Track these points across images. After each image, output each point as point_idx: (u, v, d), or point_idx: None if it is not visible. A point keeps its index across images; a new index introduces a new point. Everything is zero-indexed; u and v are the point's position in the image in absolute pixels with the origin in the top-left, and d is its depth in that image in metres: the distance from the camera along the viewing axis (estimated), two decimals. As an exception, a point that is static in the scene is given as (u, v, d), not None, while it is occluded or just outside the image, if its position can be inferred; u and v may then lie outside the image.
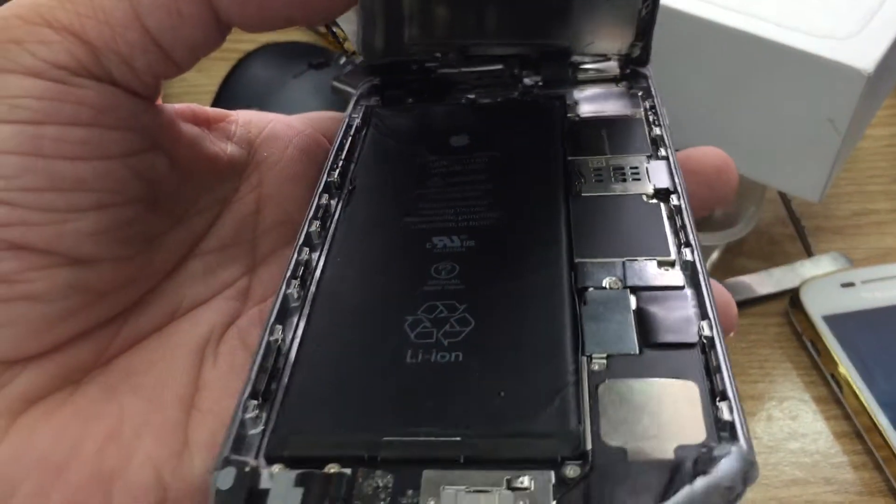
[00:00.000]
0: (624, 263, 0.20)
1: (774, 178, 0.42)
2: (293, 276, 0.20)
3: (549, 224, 0.21)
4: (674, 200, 0.21)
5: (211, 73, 0.52)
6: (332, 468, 0.16)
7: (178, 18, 0.19)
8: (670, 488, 0.15)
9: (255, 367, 0.17)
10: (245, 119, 0.24)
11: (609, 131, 0.25)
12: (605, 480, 0.15)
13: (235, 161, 0.23)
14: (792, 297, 0.43)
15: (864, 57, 0.36)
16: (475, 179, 0.23)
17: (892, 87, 0.43)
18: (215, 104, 0.50)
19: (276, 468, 0.16)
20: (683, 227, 0.21)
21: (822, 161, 0.39)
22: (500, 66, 0.28)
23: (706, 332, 0.17)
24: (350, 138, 0.24)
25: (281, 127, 0.25)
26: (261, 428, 0.16)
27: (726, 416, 0.16)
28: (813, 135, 0.38)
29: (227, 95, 0.51)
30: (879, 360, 0.39)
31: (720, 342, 0.17)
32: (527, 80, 0.27)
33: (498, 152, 0.24)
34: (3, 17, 0.18)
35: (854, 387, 0.39)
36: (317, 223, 0.21)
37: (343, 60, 0.51)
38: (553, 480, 0.15)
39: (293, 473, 0.15)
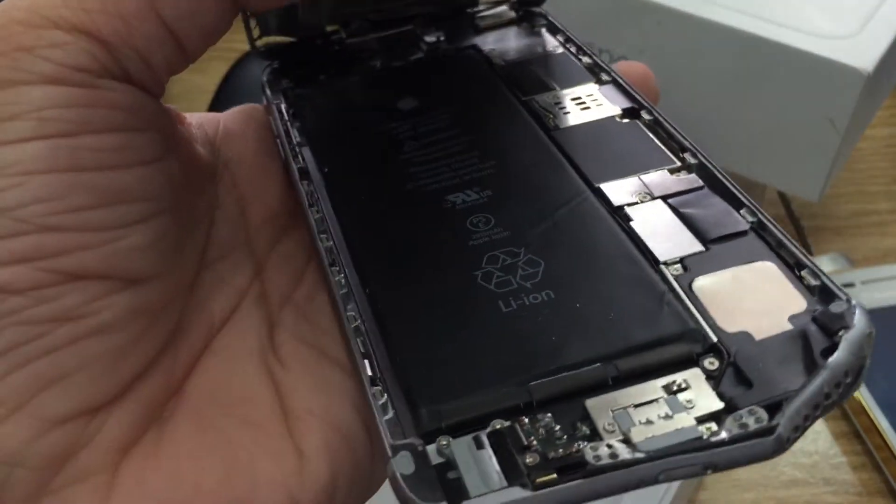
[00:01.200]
0: (640, 178, 0.21)
1: (774, 178, 0.42)
2: (332, 265, 0.19)
3: (550, 159, 0.22)
4: (645, 116, 0.23)
5: (209, 73, 0.52)
6: (498, 424, 0.16)
7: (195, 3, 0.18)
8: (813, 352, 0.16)
9: (359, 355, 0.17)
10: (197, 120, 0.23)
11: (541, 70, 0.25)
12: (749, 362, 0.16)
13: (209, 163, 0.22)
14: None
15: (864, 57, 0.36)
16: (450, 136, 0.23)
17: (891, 87, 0.43)
18: (214, 104, 0.50)
19: (444, 440, 0.15)
20: (670, 135, 0.21)
21: (821, 161, 0.39)
22: (409, 27, 0.28)
23: (750, 217, 0.19)
24: (287, 124, 0.24)
25: (232, 124, 0.24)
26: (391, 413, 0.16)
27: (812, 281, 0.17)
28: (812, 134, 0.38)
29: (226, 95, 0.51)
30: (879, 360, 0.39)
31: (769, 222, 0.19)
32: (428, 38, 0.28)
33: (453, 107, 0.24)
34: (1, 25, 0.17)
35: (853, 387, 0.38)
36: (315, 211, 0.21)
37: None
38: (703, 375, 0.16)
39: (468, 439, 0.15)
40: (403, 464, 0.15)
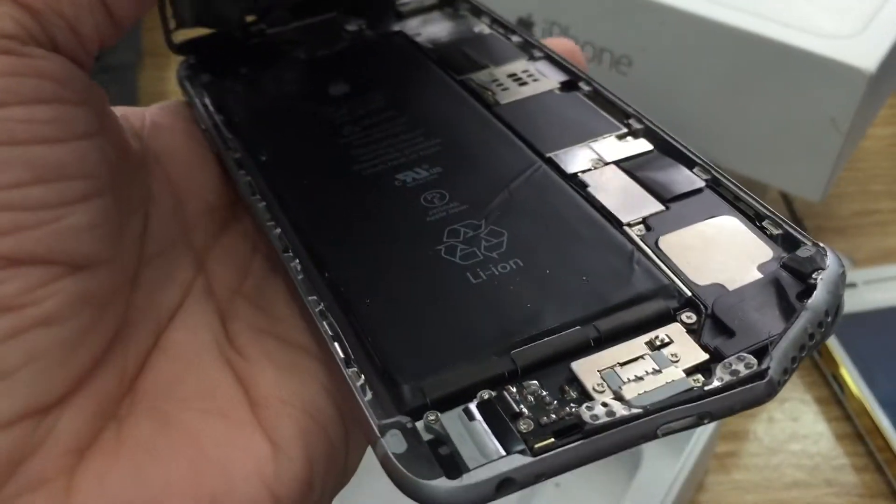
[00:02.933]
0: (590, 146, 0.21)
1: (776, 178, 0.42)
2: (285, 251, 0.19)
3: (497, 133, 0.22)
4: (584, 87, 0.23)
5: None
6: (486, 394, 0.15)
7: None
8: (788, 296, 0.16)
9: (328, 338, 0.17)
10: (121, 112, 0.21)
11: (472, 50, 0.25)
12: (727, 312, 0.16)
13: (138, 154, 0.21)
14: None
15: (867, 56, 0.36)
16: (389, 117, 0.23)
17: (894, 86, 0.43)
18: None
19: (432, 415, 0.15)
20: (613, 103, 0.22)
21: (823, 160, 0.39)
22: (330, 15, 0.27)
23: (704, 175, 0.19)
24: (214, 116, 0.23)
25: (158, 118, 0.22)
26: (370, 393, 0.16)
27: (775, 230, 0.18)
28: (815, 134, 0.38)
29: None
30: (881, 361, 0.39)
31: (724, 178, 0.19)
32: (349, 27, 0.27)
33: (388, 90, 0.24)
34: None
35: (855, 388, 0.38)
36: (258, 200, 0.20)
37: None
38: (683, 329, 0.16)
39: (457, 411, 0.15)
40: (394, 443, 0.15)
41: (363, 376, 0.16)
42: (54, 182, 0.16)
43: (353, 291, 0.18)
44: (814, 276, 0.16)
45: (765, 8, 0.38)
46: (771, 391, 0.15)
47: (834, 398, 0.40)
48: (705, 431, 0.35)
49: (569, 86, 0.23)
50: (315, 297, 0.18)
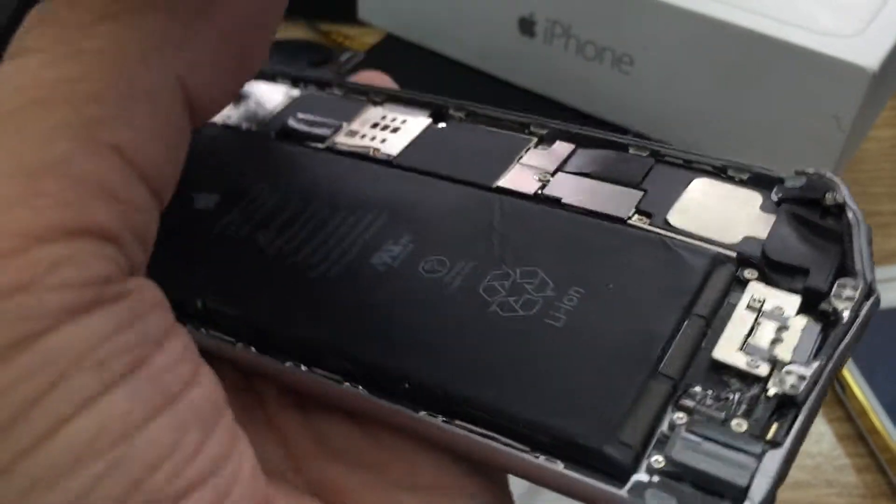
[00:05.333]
0: (521, 163, 0.21)
1: (778, 178, 0.41)
2: (340, 381, 0.17)
3: (424, 183, 0.21)
4: (455, 112, 0.22)
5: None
6: (675, 417, 0.15)
7: (170, 146, 0.14)
8: (817, 220, 0.18)
9: (483, 441, 0.15)
10: None
11: (311, 116, 0.23)
12: (782, 254, 0.17)
13: None
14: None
15: (869, 55, 0.36)
16: (294, 211, 0.20)
17: (896, 86, 0.43)
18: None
19: (655, 459, 0.14)
20: (496, 119, 0.22)
21: (825, 160, 0.39)
22: None
23: (644, 153, 0.20)
24: None
25: None
26: (578, 473, 0.15)
27: (741, 175, 0.19)
28: (817, 133, 0.38)
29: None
30: (883, 362, 0.39)
31: (662, 147, 0.20)
32: None
33: (263, 183, 0.21)
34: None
35: (857, 389, 0.38)
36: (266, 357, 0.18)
37: (344, 57, 0.51)
38: (759, 284, 0.17)
39: (676, 443, 0.15)
40: (659, 500, 0.14)
41: (555, 461, 0.15)
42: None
43: (458, 386, 0.16)
44: (827, 196, 0.17)
45: (767, 6, 0.38)
46: (878, 299, 0.16)
47: (835, 399, 0.40)
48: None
49: (440, 116, 0.22)
50: (425, 412, 0.16)
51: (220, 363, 0.16)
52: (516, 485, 0.17)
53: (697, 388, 0.15)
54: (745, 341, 0.16)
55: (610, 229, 0.18)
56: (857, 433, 0.38)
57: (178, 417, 0.13)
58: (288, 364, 0.17)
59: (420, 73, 0.47)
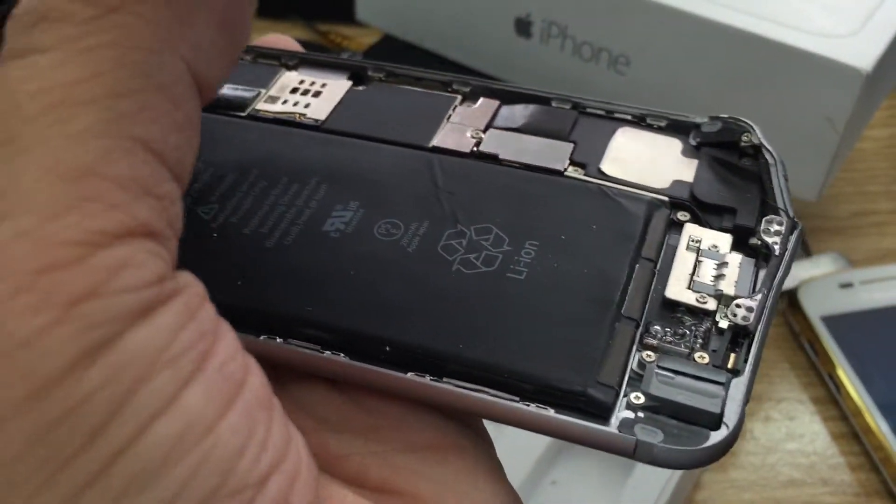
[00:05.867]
0: (451, 122, 0.21)
1: (773, 178, 0.42)
2: (320, 349, 0.17)
3: (358, 147, 0.20)
4: (374, 73, 0.22)
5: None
6: (644, 356, 0.16)
7: (188, 134, 0.14)
8: (735, 162, 0.20)
9: (473, 392, 0.16)
10: None
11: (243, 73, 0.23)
12: (708, 195, 0.19)
13: None
14: (790, 298, 0.42)
15: (863, 56, 0.36)
16: (234, 179, 0.20)
17: (891, 86, 0.43)
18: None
19: (635, 395, 0.15)
20: (419, 78, 0.22)
21: (819, 160, 0.39)
22: None
23: (567, 105, 0.21)
24: None
25: None
26: (568, 415, 0.15)
27: (660, 122, 0.21)
28: (811, 134, 0.38)
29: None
30: (877, 361, 0.39)
31: (585, 99, 0.21)
32: None
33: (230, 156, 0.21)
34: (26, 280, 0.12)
35: (852, 388, 0.38)
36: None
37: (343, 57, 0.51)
38: (693, 225, 0.18)
39: (650, 379, 0.16)
40: (649, 434, 0.15)
41: (545, 407, 0.15)
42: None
43: (439, 345, 0.16)
44: (743, 139, 0.19)
45: (762, 7, 0.38)
46: (802, 230, 0.18)
47: (830, 398, 0.40)
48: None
49: (361, 79, 0.22)
50: (412, 374, 0.16)
51: None
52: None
53: (657, 327, 0.17)
54: (691, 280, 0.17)
55: (552, 182, 0.19)
56: (851, 432, 0.39)
57: (248, 405, 0.13)
58: (263, 338, 0.17)
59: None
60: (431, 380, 0.16)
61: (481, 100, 0.21)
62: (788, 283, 0.44)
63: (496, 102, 0.21)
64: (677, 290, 0.17)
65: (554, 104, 0.21)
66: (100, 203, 0.12)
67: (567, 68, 0.44)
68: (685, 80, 0.41)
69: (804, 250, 0.46)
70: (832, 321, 0.41)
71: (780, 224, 0.17)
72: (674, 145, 0.20)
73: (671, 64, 0.41)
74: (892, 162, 0.52)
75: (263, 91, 0.22)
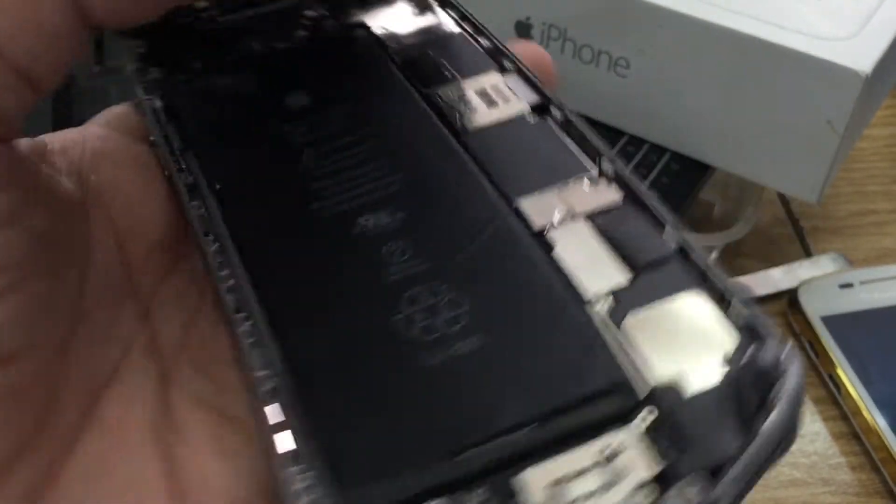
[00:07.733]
0: (559, 192, 0.19)
1: (773, 179, 0.42)
2: (237, 310, 0.17)
3: (463, 171, 0.19)
4: (555, 113, 0.20)
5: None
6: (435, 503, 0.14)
7: (45, 38, 0.15)
8: (747, 407, 0.15)
9: (268, 427, 0.15)
10: (60, 145, 0.19)
11: (440, 54, 0.22)
12: (685, 417, 0.15)
13: (78, 198, 0.18)
14: (790, 298, 0.43)
15: (863, 58, 0.36)
16: (351, 141, 0.20)
17: (890, 88, 0.43)
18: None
19: None
20: (584, 137, 0.19)
21: (820, 162, 0.39)
22: (289, 2, 0.24)
23: (673, 240, 0.17)
24: (167, 127, 0.20)
25: (98, 140, 0.20)
26: (311, 496, 0.14)
27: (742, 311, 0.16)
28: (811, 136, 0.38)
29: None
30: (878, 361, 0.39)
31: (692, 245, 0.17)
32: (310, 13, 0.24)
33: (349, 104, 0.21)
34: None
35: (852, 388, 0.38)
36: (211, 240, 0.18)
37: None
38: (639, 433, 0.15)
39: None
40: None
41: (307, 479, 0.14)
42: None
43: (305, 367, 0.16)
44: (775, 388, 0.15)
45: (761, 10, 0.39)
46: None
47: (830, 398, 0.40)
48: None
49: (540, 110, 0.21)
50: (266, 373, 0.15)
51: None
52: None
53: (480, 492, 0.14)
54: (560, 481, 0.15)
55: (557, 301, 0.17)
56: (851, 432, 0.39)
57: None
58: (224, 273, 0.17)
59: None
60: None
61: (611, 186, 0.19)
62: (789, 283, 0.44)
63: (619, 196, 0.18)
64: (534, 479, 0.14)
65: (665, 232, 0.18)
66: None
67: (567, 71, 0.44)
68: (685, 83, 0.41)
69: (804, 251, 0.46)
70: (832, 321, 0.41)
71: (700, 496, 0.14)
72: (725, 345, 0.16)
73: (671, 67, 0.41)
74: (891, 162, 0.52)
75: (459, 80, 0.22)
